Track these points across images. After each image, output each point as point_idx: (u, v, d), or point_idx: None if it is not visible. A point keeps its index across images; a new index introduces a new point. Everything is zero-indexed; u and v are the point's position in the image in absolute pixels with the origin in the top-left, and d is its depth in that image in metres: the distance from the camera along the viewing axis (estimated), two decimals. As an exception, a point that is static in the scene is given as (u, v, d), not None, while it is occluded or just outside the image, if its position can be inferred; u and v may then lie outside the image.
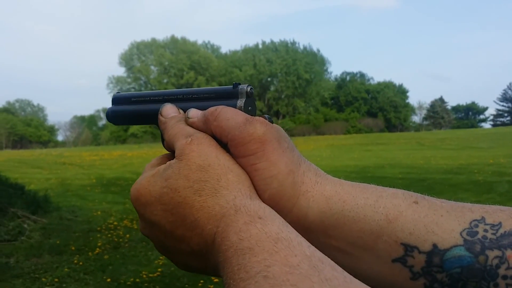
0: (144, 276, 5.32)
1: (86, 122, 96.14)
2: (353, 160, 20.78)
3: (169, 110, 0.56)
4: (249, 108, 0.53)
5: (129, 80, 79.97)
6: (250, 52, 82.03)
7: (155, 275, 5.33)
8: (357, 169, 16.72)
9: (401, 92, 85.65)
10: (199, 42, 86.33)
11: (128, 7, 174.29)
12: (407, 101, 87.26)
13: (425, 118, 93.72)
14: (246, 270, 0.34)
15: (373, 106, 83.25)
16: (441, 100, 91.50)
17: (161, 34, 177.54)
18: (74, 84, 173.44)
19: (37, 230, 7.40)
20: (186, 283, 4.95)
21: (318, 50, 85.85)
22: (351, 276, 0.34)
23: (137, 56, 79.75)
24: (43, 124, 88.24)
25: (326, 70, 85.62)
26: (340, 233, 0.46)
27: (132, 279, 5.23)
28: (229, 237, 0.39)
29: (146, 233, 0.52)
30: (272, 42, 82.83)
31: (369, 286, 0.42)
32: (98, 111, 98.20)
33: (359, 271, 0.46)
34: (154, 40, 79.42)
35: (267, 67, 78.56)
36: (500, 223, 0.41)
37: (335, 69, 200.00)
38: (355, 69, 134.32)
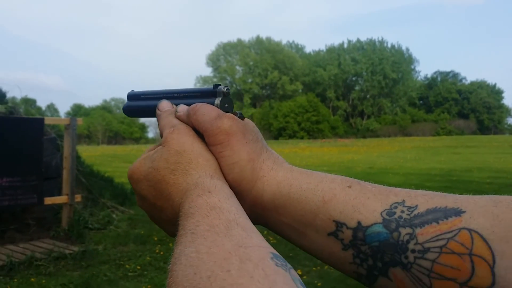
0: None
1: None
2: (439, 163, 20.04)
3: (164, 105, 0.67)
4: (226, 105, 0.62)
5: (215, 79, 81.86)
6: (334, 51, 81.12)
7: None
8: (442, 172, 16.14)
9: (495, 92, 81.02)
10: (284, 42, 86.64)
11: (215, 8, 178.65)
12: (501, 102, 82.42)
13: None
14: (183, 228, 0.45)
15: (465, 107, 79.36)
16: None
17: (247, 35, 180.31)
18: (163, 84, 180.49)
19: (124, 220, 7.89)
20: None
21: (407, 49, 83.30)
22: (253, 237, 0.42)
23: (223, 56, 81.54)
24: (135, 122, 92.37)
25: (414, 69, 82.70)
26: (287, 211, 0.55)
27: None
28: (184, 206, 0.49)
29: (140, 205, 0.64)
30: (358, 40, 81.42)
31: (315, 256, 0.55)
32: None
33: (306, 243, 0.55)
34: (240, 41, 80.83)
35: (352, 67, 77.26)
36: (416, 206, 0.48)
37: (425, 68, 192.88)
38: (447, 68, 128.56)
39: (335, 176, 0.56)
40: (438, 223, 0.45)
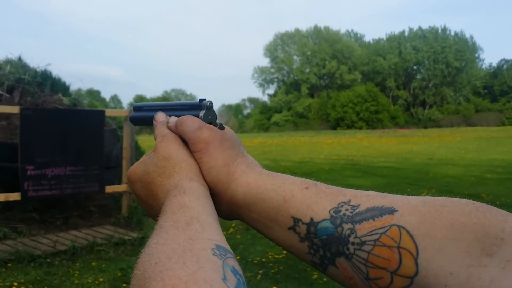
0: (270, 256, 5.65)
1: (232, 111, 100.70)
2: (502, 154, 19.24)
3: (159, 117, 0.76)
4: (209, 117, 0.72)
5: (272, 70, 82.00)
6: (395, 40, 78.98)
7: (280, 256, 5.63)
8: (504, 163, 15.52)
9: None
10: (342, 31, 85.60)
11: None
12: None
13: None
14: (157, 223, 0.53)
15: (532, 96, 75.44)
16: None
17: (304, 24, 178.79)
18: (222, 74, 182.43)
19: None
20: (308, 266, 5.18)
21: (471, 37, 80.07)
22: (206, 231, 0.49)
23: (280, 46, 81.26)
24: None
25: (478, 57, 79.28)
26: (256, 208, 0.63)
27: (258, 259, 5.60)
28: (164, 205, 0.57)
29: (138, 203, 0.73)
30: (420, 28, 78.79)
31: (281, 247, 0.63)
32: (243, 100, 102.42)
33: (272, 236, 0.63)
34: (297, 31, 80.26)
35: (413, 55, 74.96)
36: (359, 204, 0.55)
37: (489, 57, 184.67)
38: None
39: (296, 178, 0.64)
40: (374, 220, 0.52)
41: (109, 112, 7.49)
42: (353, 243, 0.53)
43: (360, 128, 68.13)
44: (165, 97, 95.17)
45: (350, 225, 0.54)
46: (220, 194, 0.67)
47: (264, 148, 26.59)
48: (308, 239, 0.58)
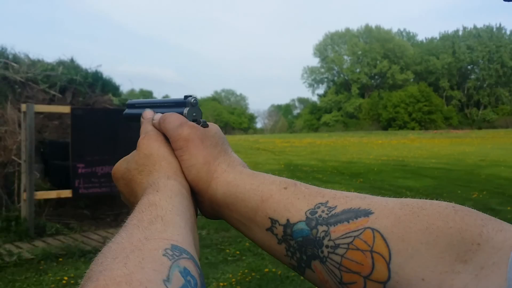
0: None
1: (282, 111, 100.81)
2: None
3: (146, 114, 0.75)
4: (193, 114, 0.71)
5: (322, 70, 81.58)
6: (449, 39, 76.92)
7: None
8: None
9: None
10: (394, 30, 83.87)
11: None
12: None
13: None
14: (125, 221, 0.50)
15: None
16: None
17: (355, 24, 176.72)
18: (271, 75, 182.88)
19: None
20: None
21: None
22: (167, 230, 0.47)
23: (330, 46, 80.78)
24: (245, 113, 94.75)
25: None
26: (235, 208, 0.61)
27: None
28: (137, 204, 0.55)
29: (123, 200, 0.72)
30: (474, 27, 76.40)
31: (262, 248, 0.61)
32: (293, 100, 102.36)
33: (253, 237, 0.61)
34: (347, 30, 79.53)
35: (468, 55, 72.80)
36: (336, 206, 0.53)
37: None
38: None
39: (277, 178, 0.62)
40: (348, 222, 0.50)
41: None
42: (327, 246, 0.51)
43: (413, 128, 66.74)
44: (215, 97, 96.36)
45: (325, 227, 0.52)
46: (201, 192, 0.65)
47: (313, 148, 26.45)
48: (285, 241, 0.56)
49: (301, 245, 0.53)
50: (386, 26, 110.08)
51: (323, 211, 0.53)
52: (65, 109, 6.41)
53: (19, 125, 6.72)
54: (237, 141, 29.82)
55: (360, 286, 0.48)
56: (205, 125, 0.70)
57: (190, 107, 0.71)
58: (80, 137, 6.34)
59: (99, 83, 8.51)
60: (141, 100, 0.82)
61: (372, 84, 79.08)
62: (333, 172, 14.31)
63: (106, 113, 6.97)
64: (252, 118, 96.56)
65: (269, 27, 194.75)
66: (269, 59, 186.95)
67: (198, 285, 0.42)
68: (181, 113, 0.71)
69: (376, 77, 78.76)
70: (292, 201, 0.56)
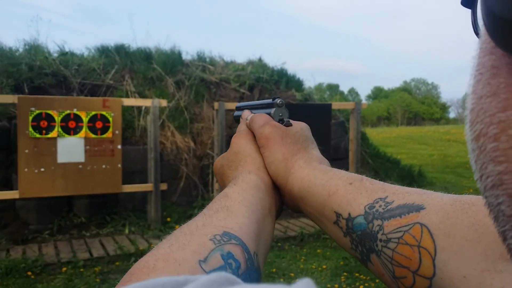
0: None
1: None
2: None
3: (244, 114, 0.82)
4: (280, 114, 0.77)
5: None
6: None
7: None
8: None
9: None
10: None
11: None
12: None
13: None
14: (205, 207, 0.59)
15: None
16: None
17: None
18: (465, 61, 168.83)
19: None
20: None
21: None
22: (226, 219, 0.54)
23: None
24: (436, 102, 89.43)
25: None
26: (308, 202, 0.65)
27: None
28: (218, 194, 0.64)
29: None
30: None
31: (335, 241, 0.64)
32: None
33: (325, 229, 0.64)
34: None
35: None
36: (393, 201, 0.54)
37: None
38: None
39: (345, 174, 0.64)
40: (401, 217, 0.51)
41: (336, 105, 7.74)
42: (380, 240, 0.53)
43: None
44: (405, 87, 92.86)
45: (379, 222, 0.54)
46: (281, 187, 0.70)
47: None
48: (349, 234, 0.58)
49: (361, 238, 0.56)
50: None
51: (380, 206, 0.55)
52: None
53: (213, 122, 7.44)
54: (426, 133, 28.37)
55: (410, 281, 0.49)
56: (288, 124, 0.75)
57: (276, 108, 0.77)
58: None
59: (283, 80, 8.94)
60: (245, 103, 0.90)
61: None
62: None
63: (287, 108, 7.30)
64: (444, 108, 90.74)
65: (460, 9, 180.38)
66: (463, 44, 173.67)
67: (241, 268, 0.48)
68: (269, 114, 0.77)
69: None
70: (355, 196, 0.59)
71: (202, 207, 0.77)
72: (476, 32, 0.28)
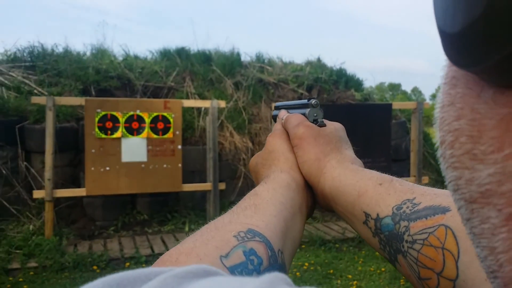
0: None
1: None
2: None
3: (281, 114, 0.83)
4: (314, 114, 0.77)
5: None
6: None
7: None
8: None
9: None
10: None
11: None
12: None
13: None
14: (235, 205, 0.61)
15: None
16: None
17: None
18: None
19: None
20: None
21: None
22: (253, 216, 0.56)
23: None
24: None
25: None
26: (339, 202, 0.66)
27: None
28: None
29: None
30: None
31: (365, 240, 0.65)
32: None
33: (355, 229, 0.65)
34: None
35: None
36: (420, 203, 0.54)
37: None
38: None
39: (376, 174, 0.64)
40: (426, 218, 0.52)
41: (396, 105, 7.57)
42: (406, 241, 0.53)
43: None
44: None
45: (406, 223, 0.54)
46: (314, 186, 0.71)
47: None
48: (377, 234, 0.59)
49: (388, 239, 0.57)
50: None
51: (407, 207, 0.55)
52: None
53: (271, 122, 7.47)
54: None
55: (435, 283, 0.49)
56: (322, 125, 0.76)
57: (311, 108, 0.78)
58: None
59: (342, 80, 8.85)
60: (283, 102, 0.91)
61: None
62: None
63: (347, 108, 7.23)
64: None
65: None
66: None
67: (263, 265, 0.49)
68: (304, 114, 0.78)
69: None
70: (383, 196, 0.59)
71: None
72: None
